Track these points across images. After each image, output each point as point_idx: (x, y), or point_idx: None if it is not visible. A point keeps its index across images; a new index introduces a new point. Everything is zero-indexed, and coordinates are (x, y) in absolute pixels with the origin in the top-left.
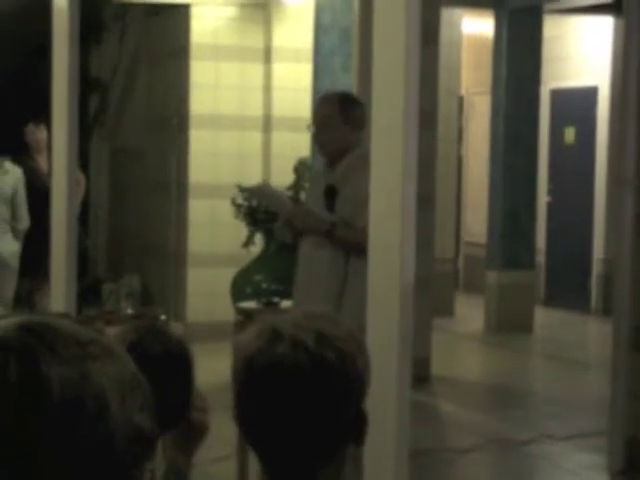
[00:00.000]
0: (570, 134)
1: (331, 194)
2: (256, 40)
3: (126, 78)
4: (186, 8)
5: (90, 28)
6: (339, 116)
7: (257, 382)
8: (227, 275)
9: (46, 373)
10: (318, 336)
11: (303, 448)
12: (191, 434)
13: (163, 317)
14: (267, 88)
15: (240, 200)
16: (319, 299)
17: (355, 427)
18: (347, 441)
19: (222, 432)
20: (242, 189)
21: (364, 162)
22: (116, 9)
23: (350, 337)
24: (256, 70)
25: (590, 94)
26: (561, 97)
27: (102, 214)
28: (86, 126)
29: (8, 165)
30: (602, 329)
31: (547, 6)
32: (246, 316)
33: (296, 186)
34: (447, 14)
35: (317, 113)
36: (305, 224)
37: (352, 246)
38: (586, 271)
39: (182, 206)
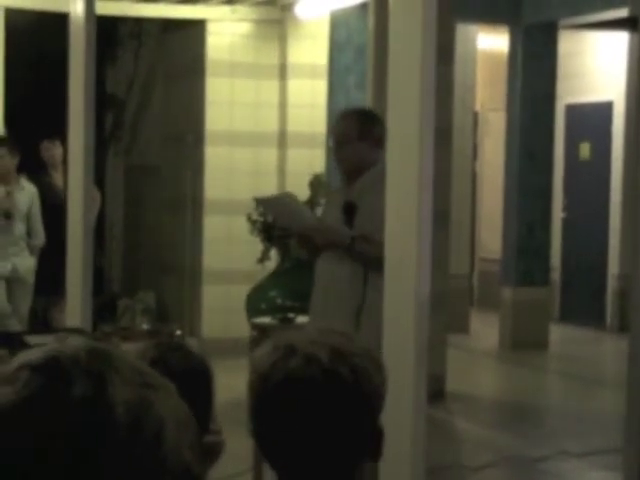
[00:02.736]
0: (585, 149)
1: (350, 210)
2: (271, 57)
3: (142, 95)
4: (202, 24)
5: (106, 45)
6: (357, 133)
7: (271, 396)
8: (242, 291)
9: (111, 392)
10: (332, 351)
11: (318, 463)
12: (206, 455)
13: (178, 333)
14: (282, 105)
15: (255, 216)
16: (337, 315)
17: (371, 442)
18: (363, 456)
19: (237, 449)
20: (259, 200)
21: (382, 178)
22: (132, 26)
23: (366, 353)
24: (271, 87)
25: (605, 109)
26: (576, 112)
27: (117, 230)
28: (102, 142)
29: (23, 182)
30: (618, 346)
31: (562, 22)
32: (261, 332)
33: (311, 202)
34: (462, 30)
35: (336, 130)
36: (326, 238)
37: (372, 260)
38: (601, 287)
39: (197, 222)
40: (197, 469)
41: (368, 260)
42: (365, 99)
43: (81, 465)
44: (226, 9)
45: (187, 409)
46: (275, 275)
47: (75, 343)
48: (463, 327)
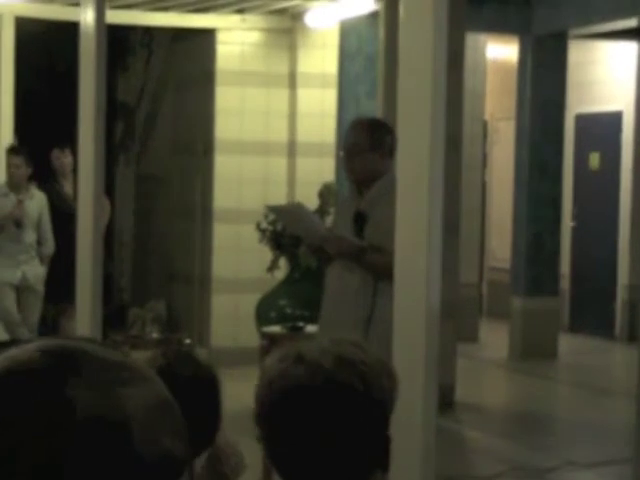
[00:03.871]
0: (595, 159)
1: (360, 220)
2: (281, 66)
3: (152, 103)
4: (212, 33)
5: (116, 53)
6: (368, 143)
7: (274, 403)
8: (252, 300)
9: (70, 395)
10: (339, 359)
11: (326, 470)
12: (227, 477)
13: (188, 342)
14: (292, 114)
15: (265, 225)
16: (347, 324)
17: (380, 452)
18: (373, 466)
19: (247, 458)
20: (271, 208)
21: (392, 188)
22: (142, 34)
23: (377, 362)
24: (281, 96)
25: (615, 119)
26: (586, 122)
27: (127, 239)
28: (112, 151)
29: (33, 190)
30: (627, 355)
31: (572, 32)
32: (271, 341)
33: (321, 211)
34: (472, 39)
35: (347, 139)
36: (338, 249)
37: (382, 270)
38: (611, 297)
39: (207, 231)
40: (181, 453)
41: (378, 270)
42: (375, 108)
43: (46, 469)
44: (236, 18)
45: (167, 395)
46: (285, 284)
47: (29, 348)
48: (473, 336)
